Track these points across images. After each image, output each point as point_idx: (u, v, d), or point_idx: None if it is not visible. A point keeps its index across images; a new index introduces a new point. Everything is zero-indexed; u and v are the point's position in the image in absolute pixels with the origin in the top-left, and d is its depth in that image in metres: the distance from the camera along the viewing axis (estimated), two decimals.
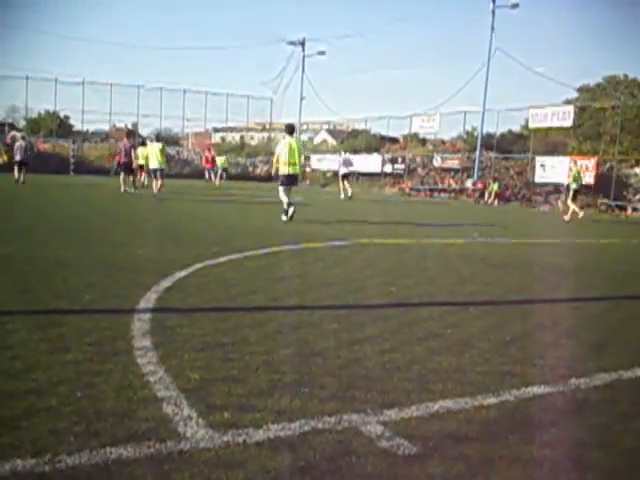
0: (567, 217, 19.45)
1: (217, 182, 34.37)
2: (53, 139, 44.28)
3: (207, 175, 36.55)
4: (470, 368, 3.87)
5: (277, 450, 2.63)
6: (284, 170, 13.79)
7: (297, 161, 13.89)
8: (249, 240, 9.94)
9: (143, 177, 24.86)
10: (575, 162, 22.20)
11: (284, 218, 13.44)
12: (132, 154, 22.36)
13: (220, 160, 38.09)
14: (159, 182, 19.26)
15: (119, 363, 3.60)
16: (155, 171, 19.58)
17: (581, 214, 19.79)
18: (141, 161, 22.77)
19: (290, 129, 14.36)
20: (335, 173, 33.90)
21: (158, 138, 21.89)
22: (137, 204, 17.53)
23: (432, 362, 3.94)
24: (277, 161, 13.95)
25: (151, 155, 19.68)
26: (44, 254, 7.45)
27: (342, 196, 25.29)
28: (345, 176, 25.95)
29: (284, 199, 13.70)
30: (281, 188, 13.89)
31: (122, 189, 21.74)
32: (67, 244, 8.48)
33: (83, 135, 48.36)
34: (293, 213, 13.43)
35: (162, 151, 19.68)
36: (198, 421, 2.87)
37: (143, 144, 24.06)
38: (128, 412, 2.93)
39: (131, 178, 22.70)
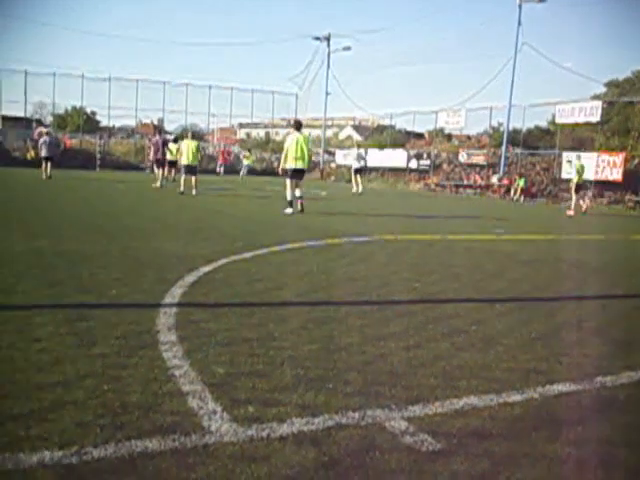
0: (584, 209, 19.56)
1: (239, 177, 35.27)
2: (80, 135, 44.82)
3: (219, 169, 40.16)
4: (495, 365, 3.85)
5: (301, 445, 2.64)
6: (292, 164, 14.29)
7: (304, 155, 14.41)
8: (273, 235, 9.97)
9: (172, 172, 25.13)
10: (579, 157, 22.16)
11: (288, 211, 13.97)
12: (165, 149, 22.89)
13: (247, 157, 38.80)
14: (193, 179, 19.40)
15: (145, 357, 3.63)
16: (188, 168, 19.70)
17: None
18: (171, 157, 23.11)
19: (297, 125, 14.88)
20: None
21: (194, 135, 22.14)
22: (162, 199, 17.65)
23: (457, 358, 3.93)
24: (285, 156, 14.43)
25: (186, 151, 19.77)
26: (72, 248, 7.55)
27: (354, 190, 25.39)
28: (358, 171, 26.15)
29: (289, 193, 14.28)
30: (288, 181, 14.42)
31: (158, 184, 22.00)
32: (94, 239, 8.57)
33: (109, 131, 48.86)
34: (302, 206, 14.12)
35: (198, 148, 20.15)
36: (223, 415, 2.89)
37: (175, 140, 24.35)
38: (153, 405, 2.96)
39: (160, 172, 22.94)
